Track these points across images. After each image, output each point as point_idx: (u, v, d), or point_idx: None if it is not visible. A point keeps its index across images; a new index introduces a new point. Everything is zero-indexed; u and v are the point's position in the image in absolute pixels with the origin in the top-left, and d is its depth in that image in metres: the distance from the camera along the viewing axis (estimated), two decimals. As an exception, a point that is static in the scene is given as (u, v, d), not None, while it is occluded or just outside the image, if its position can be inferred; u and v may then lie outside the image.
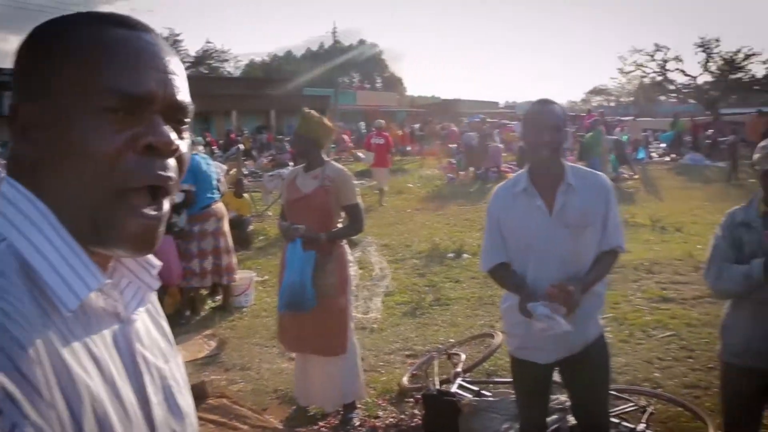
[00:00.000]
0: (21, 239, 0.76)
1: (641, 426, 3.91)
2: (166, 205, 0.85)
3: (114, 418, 0.77)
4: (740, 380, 3.10)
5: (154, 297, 1.01)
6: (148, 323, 0.96)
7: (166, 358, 0.95)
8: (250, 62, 69.87)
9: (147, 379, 0.87)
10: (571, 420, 3.55)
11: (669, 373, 4.98)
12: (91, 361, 0.77)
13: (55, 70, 0.79)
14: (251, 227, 10.74)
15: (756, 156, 3.04)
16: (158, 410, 0.88)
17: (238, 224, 9.51)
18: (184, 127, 0.87)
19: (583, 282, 2.85)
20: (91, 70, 0.79)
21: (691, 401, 4.41)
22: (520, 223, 2.99)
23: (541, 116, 2.90)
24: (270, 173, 15.13)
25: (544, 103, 2.97)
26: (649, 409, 4.17)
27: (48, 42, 0.82)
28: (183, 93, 0.85)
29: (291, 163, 17.29)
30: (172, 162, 0.83)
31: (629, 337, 5.74)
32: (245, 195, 11.29)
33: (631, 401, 4.33)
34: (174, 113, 0.84)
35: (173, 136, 0.82)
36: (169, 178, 0.83)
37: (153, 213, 0.82)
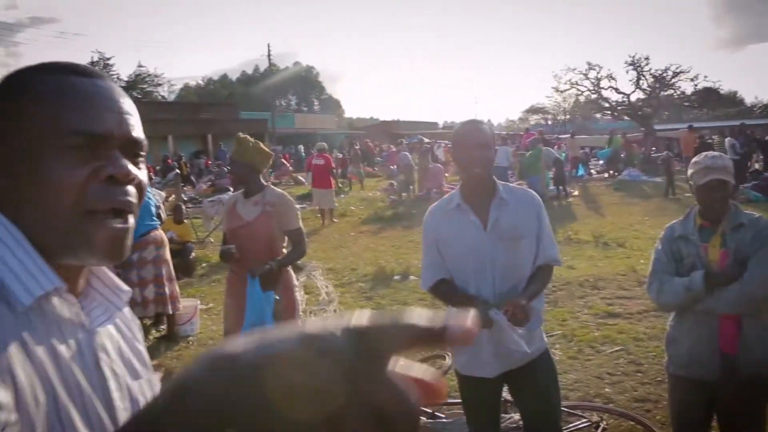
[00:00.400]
0: None
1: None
2: (131, 220, 0.97)
3: (74, 414, 0.85)
4: (687, 392, 3.14)
5: (133, 323, 1.13)
6: (120, 342, 1.05)
7: (136, 375, 1.04)
8: (184, 86, 69.23)
9: (112, 385, 0.96)
10: None
11: (619, 387, 5.02)
12: (53, 359, 0.86)
13: (22, 115, 0.91)
14: (193, 254, 10.52)
15: (690, 171, 3.12)
16: (124, 415, 0.95)
17: (179, 251, 9.30)
18: (140, 159, 0.99)
19: (525, 295, 2.87)
20: (55, 114, 0.91)
21: (642, 415, 4.45)
22: (456, 240, 3.01)
23: (471, 135, 2.97)
24: (210, 199, 14.91)
25: (473, 123, 3.12)
26: (602, 425, 4.19)
27: (14, 90, 0.93)
28: (137, 130, 0.98)
29: (231, 189, 17.09)
30: (131, 188, 0.95)
31: (578, 354, 5.78)
32: (186, 221, 11.07)
33: (584, 417, 4.35)
34: (130, 148, 0.96)
35: (131, 167, 0.95)
36: (129, 202, 0.95)
37: (119, 225, 0.94)
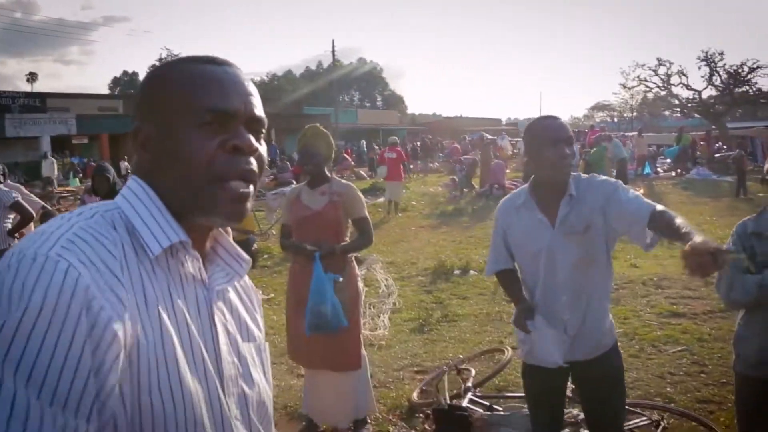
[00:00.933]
0: (129, 207, 1.07)
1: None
2: (251, 187, 1.10)
3: (179, 352, 1.00)
4: (756, 391, 3.06)
5: (253, 293, 1.30)
6: (238, 305, 1.21)
7: (249, 337, 1.20)
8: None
9: (222, 339, 1.11)
10: None
11: (681, 387, 4.92)
12: (169, 305, 1.02)
13: (165, 98, 1.08)
14: (255, 245, 10.72)
15: (767, 167, 3.03)
16: (229, 366, 1.11)
17: (242, 243, 9.49)
18: (261, 135, 1.14)
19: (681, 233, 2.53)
20: (192, 96, 1.07)
21: (705, 416, 4.36)
22: (524, 236, 3.00)
23: (557, 130, 2.85)
24: (273, 192, 15.14)
25: (554, 118, 2.94)
26: (663, 424, 4.12)
27: (159, 79, 1.12)
28: (259, 109, 1.12)
29: (293, 182, 17.33)
30: (252, 159, 1.10)
31: (640, 352, 5.69)
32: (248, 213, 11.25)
33: (644, 415, 4.28)
34: (253, 124, 1.11)
35: (253, 140, 1.09)
36: (251, 170, 1.09)
37: (242, 189, 1.08)
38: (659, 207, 2.69)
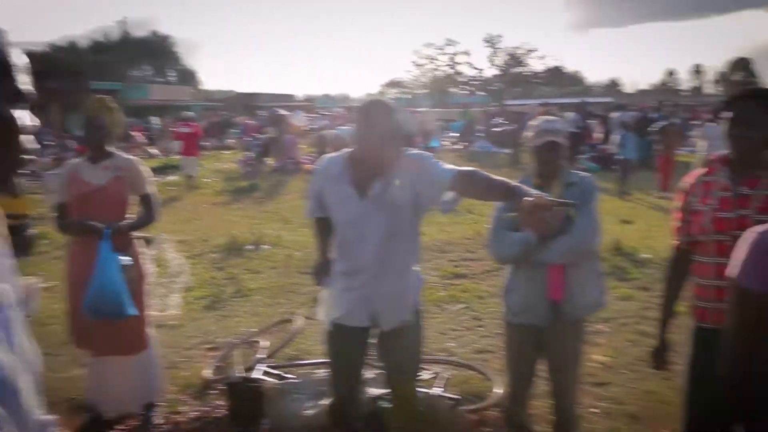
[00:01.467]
0: None
1: (437, 390, 4.11)
2: None
3: None
4: (519, 337, 3.35)
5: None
6: None
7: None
8: (27, 53, 64.53)
9: None
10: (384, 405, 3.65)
11: (461, 341, 5.27)
12: None
13: None
14: (31, 231, 9.89)
15: (528, 134, 3.29)
16: None
17: (16, 228, 8.73)
18: None
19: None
20: None
21: (481, 364, 4.70)
22: (335, 205, 3.06)
23: (379, 113, 2.90)
24: (53, 172, 14.07)
25: (379, 102, 3.00)
26: (445, 375, 4.39)
27: None
28: None
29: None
30: None
31: (424, 313, 5.98)
32: (23, 195, 10.36)
33: (429, 370, 4.53)
34: None
35: None
36: None
37: None
38: (466, 169, 2.83)
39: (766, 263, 1.96)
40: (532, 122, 3.34)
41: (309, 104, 47.87)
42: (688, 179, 2.92)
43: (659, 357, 3.12)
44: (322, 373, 4.18)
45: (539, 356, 3.36)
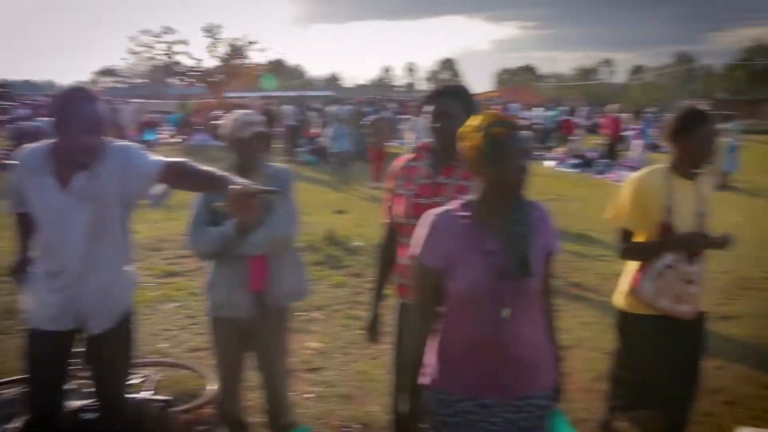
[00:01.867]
0: None
1: (146, 393, 4.00)
2: None
3: None
4: (225, 331, 3.36)
5: None
6: None
7: None
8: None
9: None
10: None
11: (175, 341, 5.17)
12: None
13: None
14: None
15: (227, 128, 3.29)
16: None
17: None
18: None
19: None
20: None
21: (194, 363, 4.64)
22: (35, 198, 2.85)
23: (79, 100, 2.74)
24: None
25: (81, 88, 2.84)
26: (155, 377, 4.26)
27: None
28: None
29: None
30: None
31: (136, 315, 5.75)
32: None
33: (139, 374, 4.35)
34: None
35: None
36: None
37: None
38: (174, 160, 2.86)
39: (441, 242, 2.25)
40: (230, 115, 3.35)
41: (3, 90, 42.57)
42: (398, 163, 3.18)
43: (372, 330, 3.33)
44: (8, 392, 3.79)
45: (246, 348, 3.41)
